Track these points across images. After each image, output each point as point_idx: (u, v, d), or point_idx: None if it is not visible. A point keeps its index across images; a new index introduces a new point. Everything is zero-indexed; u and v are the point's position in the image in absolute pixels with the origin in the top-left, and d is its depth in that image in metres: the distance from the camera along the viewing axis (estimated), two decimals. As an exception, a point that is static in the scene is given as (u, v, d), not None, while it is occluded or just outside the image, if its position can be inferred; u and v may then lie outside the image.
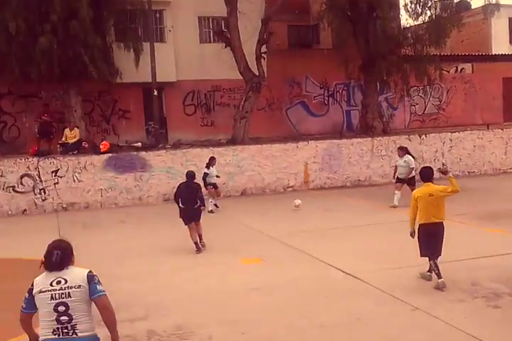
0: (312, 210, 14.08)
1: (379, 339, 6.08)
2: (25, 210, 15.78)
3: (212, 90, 21.41)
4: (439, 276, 7.50)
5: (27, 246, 11.23)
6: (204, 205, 10.83)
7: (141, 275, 8.81)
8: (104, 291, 4.17)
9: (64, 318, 4.02)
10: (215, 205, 14.70)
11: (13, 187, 15.70)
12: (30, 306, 4.13)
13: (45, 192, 15.91)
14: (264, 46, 19.33)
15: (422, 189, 7.80)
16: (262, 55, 19.13)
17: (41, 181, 15.88)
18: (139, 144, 18.05)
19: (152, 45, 18.01)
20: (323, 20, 20.95)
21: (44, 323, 4.08)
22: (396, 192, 13.90)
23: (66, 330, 4.01)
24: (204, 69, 20.37)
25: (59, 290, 4.05)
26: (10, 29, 16.17)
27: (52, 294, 4.05)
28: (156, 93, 18.18)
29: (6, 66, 16.91)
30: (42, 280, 4.15)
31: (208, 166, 14.88)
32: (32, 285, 4.17)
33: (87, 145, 17.26)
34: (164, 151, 17.12)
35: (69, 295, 4.04)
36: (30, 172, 15.82)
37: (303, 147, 18.13)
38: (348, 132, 22.54)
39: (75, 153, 16.76)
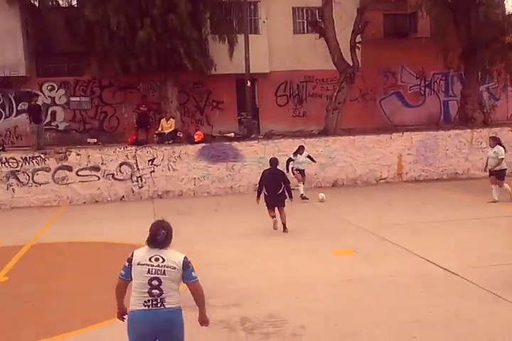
0: (406, 203, 13.70)
1: (478, 338, 5.79)
2: (123, 197, 16.46)
3: (305, 81, 21.27)
4: None
5: (127, 231, 11.73)
6: (290, 192, 11.02)
7: (233, 263, 8.92)
8: (197, 278, 4.56)
9: (155, 291, 4.38)
10: (305, 197, 14.68)
11: (113, 174, 16.42)
12: (128, 274, 4.50)
13: (141, 180, 16.51)
14: (359, 36, 18.93)
15: None
16: (357, 44, 18.75)
17: (138, 169, 16.49)
18: (232, 134, 18.28)
19: (247, 37, 18.13)
20: (422, 8, 20.20)
21: (136, 294, 4.43)
22: (492, 186, 13.21)
23: (155, 302, 4.39)
24: (297, 60, 20.29)
25: (156, 266, 4.41)
26: (111, 25, 16.89)
27: (149, 268, 4.41)
28: (249, 84, 18.31)
29: (108, 60, 17.75)
30: (142, 254, 4.52)
31: (295, 154, 15.11)
32: (132, 255, 4.55)
33: (181, 135, 17.74)
34: (256, 142, 17.24)
35: (163, 273, 4.41)
36: (128, 161, 16.47)
37: (397, 138, 17.65)
38: (445, 123, 21.68)
39: (170, 142, 17.27)
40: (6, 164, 15.88)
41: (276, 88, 21.12)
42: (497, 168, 13.13)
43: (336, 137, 17.59)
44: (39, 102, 18.64)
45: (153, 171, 16.41)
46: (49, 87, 19.79)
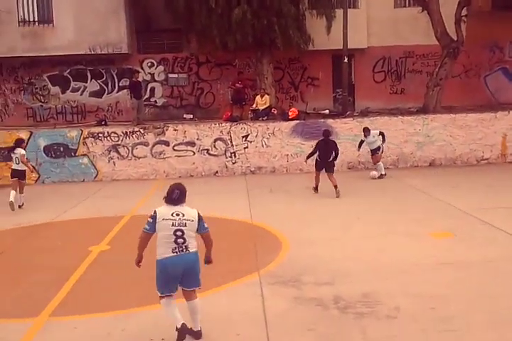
0: (509, 185, 12.95)
1: None
2: (216, 172, 16.76)
3: (405, 56, 20.46)
4: None
5: (221, 206, 11.94)
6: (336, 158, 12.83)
7: (325, 242, 8.84)
8: (208, 228, 5.66)
9: (180, 240, 5.37)
10: (381, 175, 14.72)
11: (208, 150, 16.73)
12: (152, 228, 5.44)
13: (235, 156, 16.72)
14: (465, 9, 17.90)
15: None
16: (462, 18, 17.77)
17: (232, 145, 16.69)
18: (327, 111, 18.01)
19: (345, 12, 17.64)
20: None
21: (164, 244, 5.38)
22: None
23: (181, 249, 5.37)
24: (397, 35, 19.55)
25: (178, 220, 5.39)
26: (210, 2, 17.01)
27: (173, 222, 5.38)
28: (346, 60, 17.89)
29: (207, 37, 17.94)
30: (164, 211, 5.47)
31: (365, 135, 14.82)
32: (155, 212, 5.48)
33: (276, 112, 17.72)
34: (351, 119, 16.91)
35: (185, 225, 5.40)
36: (223, 137, 16.70)
37: (502, 117, 16.68)
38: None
39: (264, 119, 17.32)
40: (108, 138, 16.58)
41: (374, 64, 20.48)
42: None
43: (435, 115, 16.89)
44: (139, 79, 19.25)
45: (247, 147, 16.56)
46: (149, 64, 20.34)
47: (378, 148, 15.01)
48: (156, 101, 20.46)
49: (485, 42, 20.13)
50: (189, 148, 16.64)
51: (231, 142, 16.68)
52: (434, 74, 18.12)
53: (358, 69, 20.40)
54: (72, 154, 16.53)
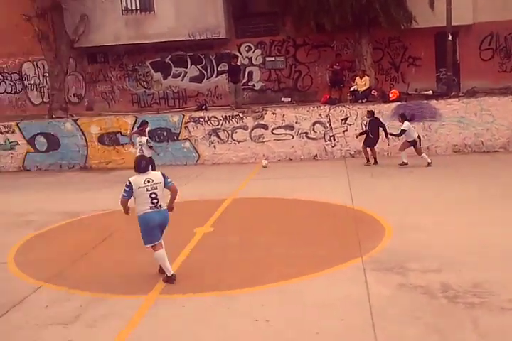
0: None
1: None
2: (315, 155, 16.67)
3: (514, 32, 19.23)
4: None
5: (321, 189, 11.90)
6: (386, 132, 14.85)
7: (430, 227, 8.55)
8: (171, 182, 6.97)
9: (155, 200, 6.73)
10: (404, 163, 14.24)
11: (306, 133, 16.66)
12: (129, 195, 6.76)
13: (334, 139, 16.54)
14: None
15: None
16: None
17: (331, 128, 16.52)
18: (430, 92, 17.28)
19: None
20: None
21: (142, 203, 6.73)
22: None
23: (157, 206, 6.75)
24: (506, 9, 18.33)
25: (150, 185, 6.72)
26: None
27: (147, 187, 6.71)
28: (450, 38, 17.04)
29: (303, 18, 17.73)
30: (137, 180, 6.76)
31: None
32: (130, 183, 6.73)
33: (376, 94, 17.30)
34: (457, 100, 16.18)
35: (156, 188, 6.75)
36: (321, 120, 16.56)
37: None
38: None
39: (364, 101, 16.96)
40: (209, 122, 16.94)
41: (481, 41, 19.34)
42: None
43: (548, 94, 15.81)
44: (238, 63, 19.44)
45: (346, 130, 16.33)
46: (246, 48, 20.45)
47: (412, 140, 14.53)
48: (254, 85, 20.58)
49: None
50: (288, 131, 16.66)
51: (330, 125, 16.50)
52: (548, 51, 16.92)
53: (463, 47, 19.36)
54: (175, 138, 17.07)
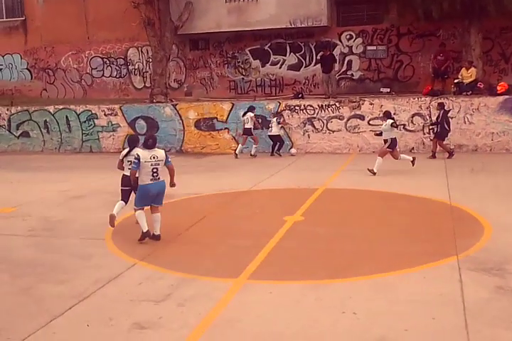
0: None
1: None
2: (412, 148, 16.17)
3: None
4: None
5: (419, 184, 11.54)
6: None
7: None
8: (171, 161, 8.12)
9: (155, 174, 7.89)
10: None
11: (404, 125, 16.18)
12: (137, 167, 7.81)
13: (433, 132, 15.91)
14: None
15: None
16: None
17: (431, 121, 15.91)
18: (542, 86, 16.21)
19: None
20: None
21: (145, 175, 7.85)
22: None
23: (157, 178, 7.92)
24: None
25: (154, 161, 7.86)
26: None
27: (151, 163, 7.84)
28: None
29: (409, 6, 17.17)
30: (144, 155, 7.84)
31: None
32: (138, 156, 7.81)
33: (482, 86, 16.45)
34: None
35: (158, 164, 7.91)
36: (421, 112, 16.01)
37: None
38: None
39: (469, 93, 16.21)
40: (304, 111, 16.86)
41: None
42: None
43: None
44: (337, 51, 19.17)
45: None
46: (347, 36, 20.10)
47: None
48: (352, 75, 20.24)
49: None
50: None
51: (430, 117, 15.92)
52: None
53: None
54: (270, 126, 17.12)
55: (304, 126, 16.95)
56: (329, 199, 10.64)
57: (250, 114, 16.25)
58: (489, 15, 16.52)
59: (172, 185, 8.18)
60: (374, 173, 12.54)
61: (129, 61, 22.74)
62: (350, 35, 20.12)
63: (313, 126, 16.87)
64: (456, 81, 16.86)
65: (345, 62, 20.20)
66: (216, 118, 17.82)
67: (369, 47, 19.91)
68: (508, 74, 18.40)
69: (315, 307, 5.66)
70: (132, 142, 8.53)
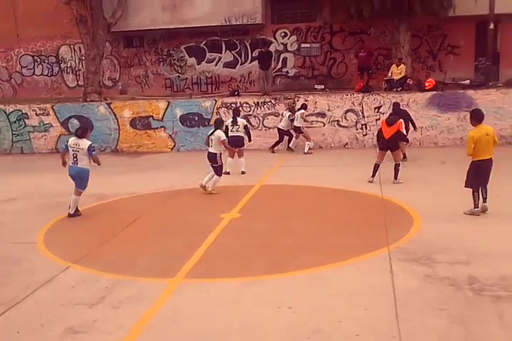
0: None
1: None
2: (346, 144, 16.53)
3: (561, 19, 18.56)
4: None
5: (348, 178, 11.80)
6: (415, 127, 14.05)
7: (461, 219, 8.45)
8: (94, 153, 9.24)
9: (75, 159, 9.22)
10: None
11: (338, 121, 16.50)
12: (64, 149, 9.45)
13: (366, 128, 16.36)
14: None
15: None
16: None
17: (364, 117, 16.32)
18: (467, 82, 16.88)
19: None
20: None
21: (69, 159, 9.27)
22: None
23: (75, 163, 9.25)
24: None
25: (75, 147, 9.22)
26: None
27: (72, 149, 9.23)
28: (492, 26, 16.58)
29: (341, 5, 17.53)
30: (71, 141, 9.29)
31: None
32: (67, 141, 9.38)
33: (411, 82, 16.99)
34: (494, 90, 15.79)
35: (78, 151, 9.19)
36: (354, 108, 16.37)
37: None
38: None
39: (399, 89, 16.70)
40: (240, 108, 16.89)
41: (523, 30, 18.80)
42: None
43: None
44: (271, 49, 19.33)
45: (379, 119, 16.06)
46: (282, 34, 20.30)
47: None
48: (287, 72, 20.47)
49: None
50: (319, 119, 16.55)
51: (362, 113, 16.31)
52: None
53: (505, 35, 18.81)
54: (206, 123, 17.09)
55: (241, 124, 16.97)
56: (266, 196, 10.73)
57: (302, 111, 15.54)
58: (416, 14, 17.06)
59: (98, 164, 9.39)
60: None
61: (61, 59, 22.15)
62: (284, 32, 20.32)
63: (250, 123, 16.90)
64: (386, 77, 17.34)
65: (281, 59, 20.41)
66: (152, 116, 17.62)
67: (303, 45, 20.18)
68: (435, 71, 19.07)
69: (252, 304, 5.71)
70: (216, 124, 10.94)
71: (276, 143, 16.13)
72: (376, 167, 11.34)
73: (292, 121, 15.64)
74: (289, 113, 15.79)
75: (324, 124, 16.54)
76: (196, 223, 8.86)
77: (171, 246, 7.71)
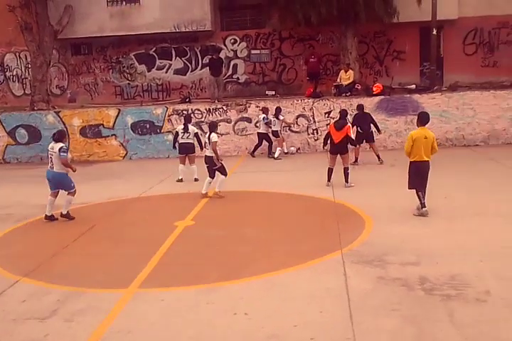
0: None
1: None
2: (298, 149, 16.68)
3: (498, 27, 19.24)
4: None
5: (302, 182, 11.91)
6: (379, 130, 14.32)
7: (411, 221, 8.64)
8: (64, 156, 9.38)
9: (51, 163, 9.49)
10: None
11: (289, 126, 16.66)
12: (47, 154, 9.77)
13: (317, 132, 16.56)
14: None
15: None
16: None
17: (315, 122, 16.53)
18: (413, 86, 17.36)
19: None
20: None
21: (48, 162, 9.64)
22: None
23: (51, 167, 9.51)
24: (490, 4, 18.45)
25: (51, 151, 9.51)
26: None
27: (49, 152, 9.53)
28: (434, 32, 17.09)
29: (289, 11, 17.74)
30: (50, 145, 9.60)
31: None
32: (48, 145, 9.66)
33: (360, 87, 17.33)
34: (439, 94, 16.27)
35: (52, 155, 9.45)
36: (305, 113, 16.56)
37: None
38: None
39: (347, 94, 16.99)
40: (192, 115, 16.84)
41: (465, 36, 19.44)
42: None
43: (531, 89, 15.94)
44: (222, 56, 19.37)
45: (329, 124, 16.29)
46: (232, 41, 20.37)
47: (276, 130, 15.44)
48: (238, 78, 20.54)
49: None
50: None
51: (313, 118, 16.52)
52: (530, 46, 17.06)
53: (448, 41, 19.49)
54: (158, 131, 16.98)
55: (193, 131, 16.92)
56: (220, 202, 10.72)
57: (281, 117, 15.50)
58: (362, 20, 17.44)
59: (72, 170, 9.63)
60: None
61: (6, 67, 21.58)
62: (234, 39, 20.40)
63: (202, 130, 16.87)
64: (335, 83, 17.64)
65: (231, 66, 20.46)
66: (102, 124, 17.37)
67: (253, 51, 20.31)
68: (382, 76, 19.52)
69: (208, 311, 5.69)
70: (211, 127, 11.13)
71: (256, 148, 16.08)
72: (330, 171, 11.51)
73: (267, 124, 15.52)
74: (264, 115, 15.61)
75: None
76: (150, 232, 8.78)
77: (124, 255, 7.61)
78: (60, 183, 9.56)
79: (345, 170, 11.36)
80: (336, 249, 7.40)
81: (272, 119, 15.46)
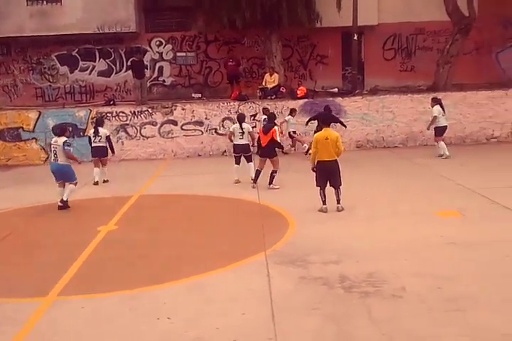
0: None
1: None
2: (224, 151, 16.73)
3: (415, 33, 20.05)
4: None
5: (229, 185, 11.95)
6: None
7: (332, 221, 8.86)
8: (67, 149, 10.14)
9: (55, 155, 10.25)
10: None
11: (216, 129, 16.69)
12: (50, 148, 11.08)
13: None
14: (477, -16, 17.55)
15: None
16: (474, -7, 17.43)
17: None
18: (336, 90, 17.81)
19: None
20: None
21: (51, 156, 10.56)
22: None
23: (55, 159, 10.29)
24: (408, 11, 19.14)
25: (54, 145, 10.30)
26: None
27: (52, 146, 10.35)
28: (355, 37, 17.60)
29: (215, 15, 17.78)
30: (53, 139, 10.40)
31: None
32: (51, 140, 10.55)
33: (284, 91, 17.59)
34: (360, 97, 16.77)
35: (56, 148, 10.18)
36: (231, 116, 16.62)
37: (513, 95, 16.47)
38: None
39: (272, 97, 17.20)
40: (117, 118, 16.60)
41: (384, 41, 20.12)
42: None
43: (445, 93, 16.66)
44: (147, 58, 19.14)
45: (255, 126, 16.41)
46: (157, 43, 20.16)
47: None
48: (164, 81, 20.35)
49: (497, 18, 19.69)
50: (197, 127, 16.64)
51: (239, 121, 16.58)
52: (445, 52, 17.87)
53: (368, 46, 20.12)
54: (81, 134, 16.54)
55: (117, 133, 16.63)
56: (144, 206, 10.61)
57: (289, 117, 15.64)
58: (285, 25, 17.73)
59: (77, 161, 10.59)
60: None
61: None
62: (159, 41, 20.19)
63: (127, 133, 16.67)
64: (261, 86, 17.81)
65: (157, 68, 20.25)
66: (22, 127, 16.76)
67: (179, 54, 20.18)
68: (306, 80, 19.89)
69: (130, 318, 5.62)
70: (240, 118, 12.05)
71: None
72: (258, 173, 11.62)
73: None
74: (265, 116, 14.98)
75: (202, 132, 16.65)
76: (71, 237, 8.56)
77: (43, 262, 7.38)
78: (64, 174, 10.33)
79: (272, 172, 11.49)
80: (260, 250, 7.48)
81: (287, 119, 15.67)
